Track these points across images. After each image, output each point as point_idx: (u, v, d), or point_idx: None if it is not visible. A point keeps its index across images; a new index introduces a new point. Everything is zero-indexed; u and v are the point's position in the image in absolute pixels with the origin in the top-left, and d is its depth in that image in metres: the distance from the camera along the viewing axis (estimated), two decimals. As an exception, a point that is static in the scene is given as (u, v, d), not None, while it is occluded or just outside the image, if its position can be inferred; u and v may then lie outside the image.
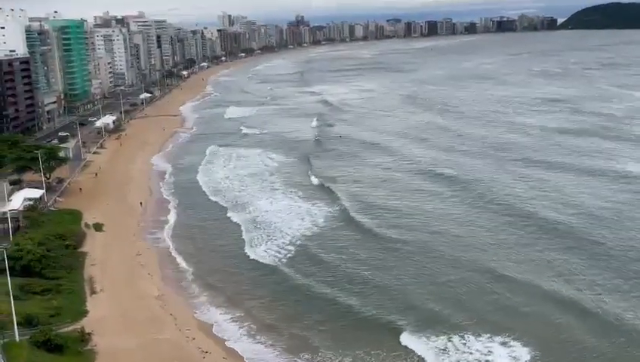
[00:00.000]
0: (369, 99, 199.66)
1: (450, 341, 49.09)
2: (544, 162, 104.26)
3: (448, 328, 50.85)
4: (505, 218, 76.88)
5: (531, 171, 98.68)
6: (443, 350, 48.07)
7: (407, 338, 49.62)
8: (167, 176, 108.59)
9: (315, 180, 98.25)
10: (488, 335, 49.55)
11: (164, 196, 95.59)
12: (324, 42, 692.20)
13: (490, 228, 74.01)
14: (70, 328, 51.62)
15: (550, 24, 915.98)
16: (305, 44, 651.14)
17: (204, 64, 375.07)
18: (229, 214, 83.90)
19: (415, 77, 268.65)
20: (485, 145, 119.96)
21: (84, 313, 55.44)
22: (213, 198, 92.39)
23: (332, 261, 65.89)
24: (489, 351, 47.56)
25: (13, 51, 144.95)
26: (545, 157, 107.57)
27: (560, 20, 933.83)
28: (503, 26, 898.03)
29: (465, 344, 48.58)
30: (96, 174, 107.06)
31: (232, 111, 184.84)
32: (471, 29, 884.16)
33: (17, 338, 47.35)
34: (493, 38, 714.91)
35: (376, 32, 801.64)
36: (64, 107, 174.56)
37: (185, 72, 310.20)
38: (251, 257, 68.28)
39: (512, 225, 74.16)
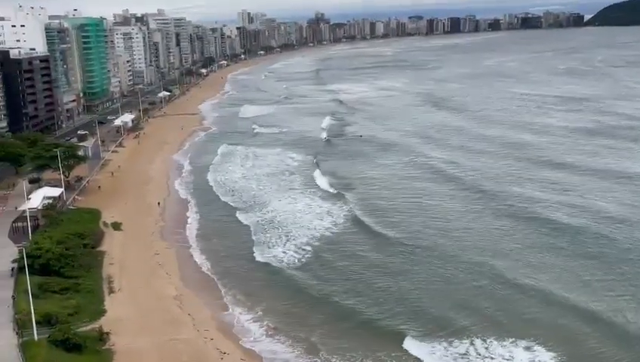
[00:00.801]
0: (388, 98, 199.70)
1: (472, 344, 48.87)
2: (566, 164, 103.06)
3: (469, 333, 50.54)
4: (525, 222, 75.79)
5: (553, 174, 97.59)
6: (464, 354, 47.84)
7: (417, 344, 49.48)
8: (185, 174, 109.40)
9: (328, 181, 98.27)
10: (512, 339, 49.25)
11: (183, 196, 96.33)
12: (344, 40, 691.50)
13: (511, 233, 72.96)
14: (88, 327, 52.20)
15: (576, 21, 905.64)
16: (325, 42, 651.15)
17: (223, 62, 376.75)
18: (241, 215, 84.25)
19: (436, 75, 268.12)
20: (505, 146, 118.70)
21: (102, 312, 56.04)
22: (230, 198, 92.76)
23: (348, 265, 65.86)
24: (511, 356, 47.24)
25: (33, 49, 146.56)
26: (567, 159, 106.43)
27: (586, 17, 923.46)
28: (528, 22, 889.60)
29: (487, 349, 48.27)
30: (112, 173, 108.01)
31: (249, 110, 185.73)
32: (495, 25, 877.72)
33: (36, 336, 47.98)
34: (517, 35, 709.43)
35: (398, 30, 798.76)
36: (83, 105, 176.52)
37: (204, 70, 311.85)
38: (269, 258, 68.61)
39: (533, 230, 73.10)
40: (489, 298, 56.67)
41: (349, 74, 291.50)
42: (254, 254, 70.32)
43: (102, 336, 50.52)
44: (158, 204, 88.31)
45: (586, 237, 70.29)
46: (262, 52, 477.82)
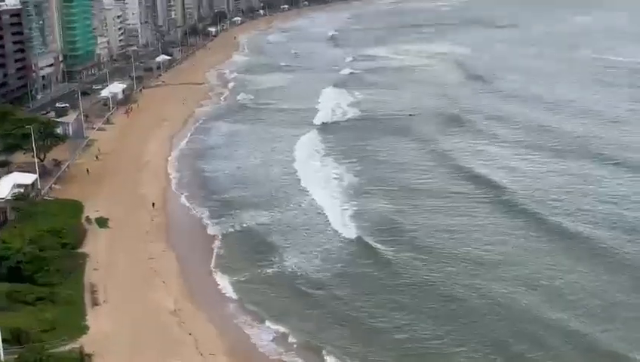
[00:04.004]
0: (445, 64, 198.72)
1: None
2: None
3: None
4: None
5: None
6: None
7: None
8: (189, 160, 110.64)
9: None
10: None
11: (185, 187, 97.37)
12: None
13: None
14: (67, 347, 52.96)
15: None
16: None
17: (237, 19, 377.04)
18: (253, 212, 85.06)
19: (508, 35, 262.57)
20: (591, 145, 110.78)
21: (83, 329, 56.82)
22: (243, 192, 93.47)
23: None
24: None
25: (2, 1, 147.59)
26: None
27: None
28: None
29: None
30: (97, 157, 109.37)
31: (271, 80, 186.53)
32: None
33: (2, 357, 48.72)
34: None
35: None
36: (63, 71, 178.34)
37: (213, 29, 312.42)
38: (287, 265, 69.74)
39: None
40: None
41: (401, 34, 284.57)
42: (274, 259, 71.09)
43: (83, 359, 51.12)
44: (153, 205, 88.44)
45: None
46: (286, 6, 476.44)
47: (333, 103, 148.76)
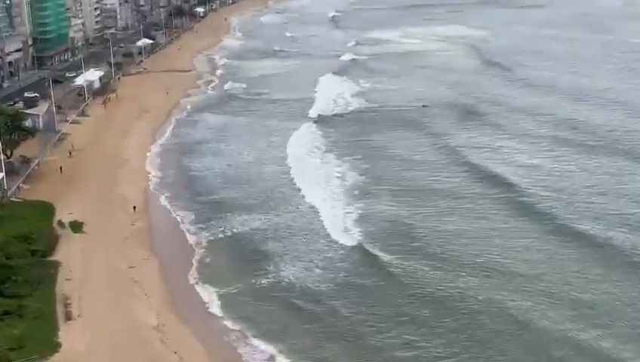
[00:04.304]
0: (461, 48, 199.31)
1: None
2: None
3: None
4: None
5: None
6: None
7: None
8: (174, 157, 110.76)
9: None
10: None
11: (167, 187, 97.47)
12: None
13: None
14: (37, 366, 53.00)
15: None
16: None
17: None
18: (246, 216, 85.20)
19: (532, 16, 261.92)
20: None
21: (55, 346, 56.85)
22: (234, 193, 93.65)
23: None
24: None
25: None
26: None
27: None
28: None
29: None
30: (70, 153, 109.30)
31: (266, 66, 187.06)
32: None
33: (-36, 378, 48.92)
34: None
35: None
36: (32, 57, 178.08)
37: (200, 10, 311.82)
38: (283, 276, 69.98)
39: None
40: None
41: (413, 14, 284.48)
42: (268, 269, 71.30)
43: (55, 379, 51.34)
44: (134, 208, 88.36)
45: None
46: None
47: (334, 93, 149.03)
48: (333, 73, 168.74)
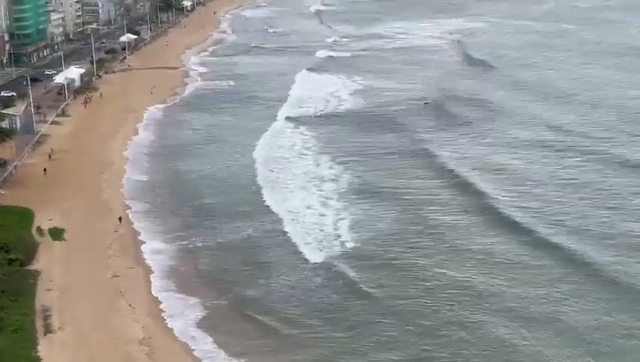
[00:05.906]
0: (460, 45, 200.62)
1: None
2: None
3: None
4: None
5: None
6: None
7: None
8: (161, 159, 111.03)
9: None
10: None
11: (151, 192, 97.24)
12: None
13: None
14: (15, 383, 53.01)
15: None
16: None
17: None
18: (237, 223, 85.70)
19: (538, 11, 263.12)
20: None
21: (34, 361, 56.67)
22: (220, 199, 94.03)
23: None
24: None
25: None
26: None
27: None
28: None
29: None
30: (50, 156, 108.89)
31: (256, 63, 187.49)
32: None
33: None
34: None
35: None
36: (9, 53, 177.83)
37: (188, 3, 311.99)
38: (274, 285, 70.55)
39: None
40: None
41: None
42: (260, 281, 71.33)
43: (34, 397, 51.20)
44: (120, 219, 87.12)
45: None
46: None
47: (324, 92, 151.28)
48: (309, 69, 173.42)
